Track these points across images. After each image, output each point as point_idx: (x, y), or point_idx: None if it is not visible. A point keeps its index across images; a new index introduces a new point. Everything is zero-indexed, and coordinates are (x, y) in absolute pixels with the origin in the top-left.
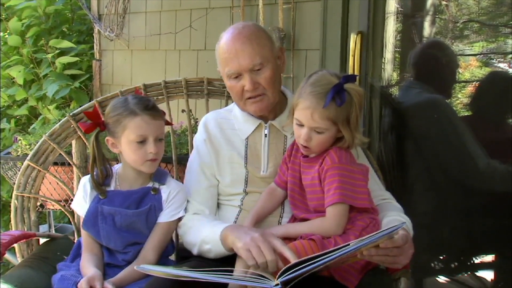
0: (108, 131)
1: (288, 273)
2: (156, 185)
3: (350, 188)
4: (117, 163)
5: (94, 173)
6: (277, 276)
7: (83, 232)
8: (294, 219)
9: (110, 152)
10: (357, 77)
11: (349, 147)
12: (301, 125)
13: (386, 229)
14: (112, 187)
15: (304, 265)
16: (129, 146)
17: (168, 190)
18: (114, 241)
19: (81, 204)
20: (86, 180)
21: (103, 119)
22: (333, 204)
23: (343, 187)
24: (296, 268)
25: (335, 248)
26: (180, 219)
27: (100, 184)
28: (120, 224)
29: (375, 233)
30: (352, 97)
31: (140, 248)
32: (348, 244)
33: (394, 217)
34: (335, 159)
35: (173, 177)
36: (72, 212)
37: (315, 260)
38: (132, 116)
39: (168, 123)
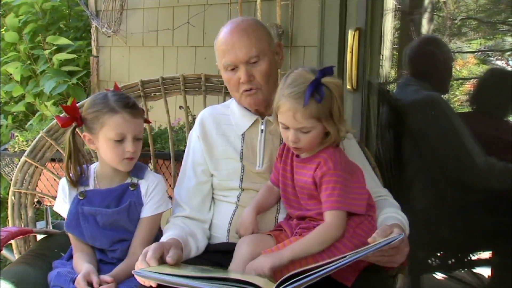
0: (86, 126)
1: (286, 284)
2: (135, 180)
3: (347, 195)
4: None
5: (70, 171)
6: (275, 286)
7: (69, 234)
8: (289, 217)
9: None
10: (334, 68)
11: (335, 141)
12: (287, 128)
13: (385, 240)
14: (91, 187)
15: (301, 276)
16: (107, 144)
17: (147, 184)
18: (99, 240)
19: (63, 205)
20: (64, 181)
21: (82, 114)
22: (331, 210)
23: (340, 195)
24: (294, 280)
25: (331, 260)
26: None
27: (76, 181)
28: (103, 223)
29: (373, 244)
30: (331, 91)
31: (128, 244)
32: (345, 256)
33: (391, 215)
34: (331, 165)
35: (166, 176)
36: None
37: (312, 272)
38: (112, 113)
39: (147, 121)
